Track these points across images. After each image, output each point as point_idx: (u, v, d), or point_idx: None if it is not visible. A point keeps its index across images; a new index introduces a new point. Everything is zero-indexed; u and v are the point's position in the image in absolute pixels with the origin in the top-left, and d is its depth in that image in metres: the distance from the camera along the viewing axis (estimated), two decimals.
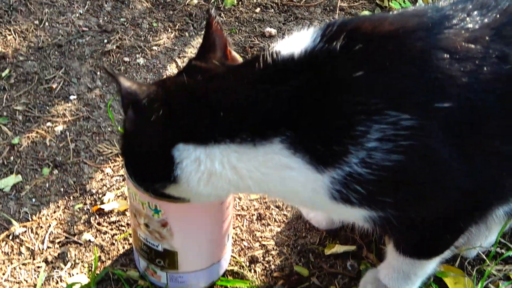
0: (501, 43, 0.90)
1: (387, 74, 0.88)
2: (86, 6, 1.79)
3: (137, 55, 1.66)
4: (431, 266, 1.13)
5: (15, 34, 1.72)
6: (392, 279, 1.14)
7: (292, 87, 0.89)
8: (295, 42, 0.94)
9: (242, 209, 1.33)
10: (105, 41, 1.71)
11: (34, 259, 1.26)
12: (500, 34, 0.91)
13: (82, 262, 1.25)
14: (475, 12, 0.94)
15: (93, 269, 1.22)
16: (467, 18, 0.93)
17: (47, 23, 1.76)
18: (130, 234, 1.30)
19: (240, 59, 1.06)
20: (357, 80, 0.87)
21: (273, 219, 1.32)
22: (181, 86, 0.97)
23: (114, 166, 1.46)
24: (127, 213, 1.35)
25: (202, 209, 1.08)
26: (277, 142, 0.89)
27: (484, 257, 1.27)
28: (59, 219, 1.33)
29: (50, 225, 1.32)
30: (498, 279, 1.26)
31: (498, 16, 0.93)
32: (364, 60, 0.88)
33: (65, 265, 1.24)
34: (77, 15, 1.78)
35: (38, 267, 1.24)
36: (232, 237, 1.24)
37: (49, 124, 1.49)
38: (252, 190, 0.98)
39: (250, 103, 0.91)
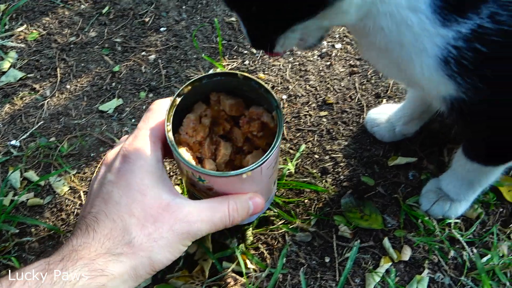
0: None
1: None
2: None
3: None
4: (495, 174, 1.05)
5: None
6: (455, 187, 1.10)
7: None
8: None
9: (313, 125, 1.32)
10: None
11: None
12: None
13: None
14: None
15: None
16: None
17: None
18: None
19: None
20: None
21: (341, 134, 1.30)
22: None
23: None
24: None
25: (241, 180, 0.90)
26: None
27: None
28: None
29: None
30: None
31: None
32: None
33: None
34: None
35: None
36: (304, 151, 1.25)
37: (143, 53, 1.51)
38: (373, 14, 0.81)
39: None
